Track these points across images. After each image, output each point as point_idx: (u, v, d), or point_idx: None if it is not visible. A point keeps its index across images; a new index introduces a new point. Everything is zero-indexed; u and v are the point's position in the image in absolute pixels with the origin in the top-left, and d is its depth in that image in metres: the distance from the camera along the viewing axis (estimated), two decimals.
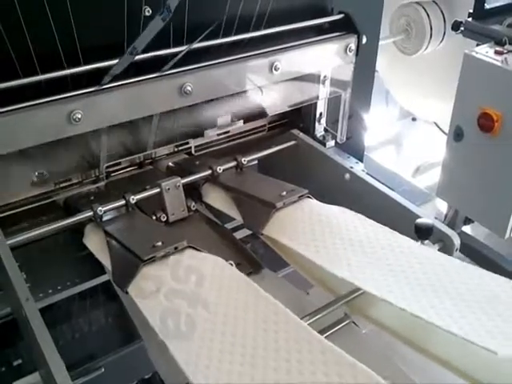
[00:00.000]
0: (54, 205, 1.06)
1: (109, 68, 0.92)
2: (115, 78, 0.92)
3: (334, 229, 0.83)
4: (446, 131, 2.30)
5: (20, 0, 0.83)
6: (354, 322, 0.79)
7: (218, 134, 1.18)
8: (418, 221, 0.84)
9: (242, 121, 1.22)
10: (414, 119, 2.94)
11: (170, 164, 1.14)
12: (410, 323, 0.71)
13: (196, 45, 0.97)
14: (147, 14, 0.96)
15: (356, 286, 0.75)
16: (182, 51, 0.97)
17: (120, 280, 0.77)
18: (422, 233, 0.83)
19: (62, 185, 1.07)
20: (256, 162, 1.16)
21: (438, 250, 0.85)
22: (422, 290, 0.71)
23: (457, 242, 0.86)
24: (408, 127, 2.99)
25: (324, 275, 0.82)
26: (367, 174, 1.03)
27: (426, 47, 2.36)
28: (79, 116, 0.88)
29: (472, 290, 0.69)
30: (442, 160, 1.89)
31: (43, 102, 0.87)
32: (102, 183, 1.06)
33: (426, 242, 0.84)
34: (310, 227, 0.83)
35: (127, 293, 0.74)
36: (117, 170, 1.11)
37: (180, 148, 1.17)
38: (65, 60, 0.90)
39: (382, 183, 0.98)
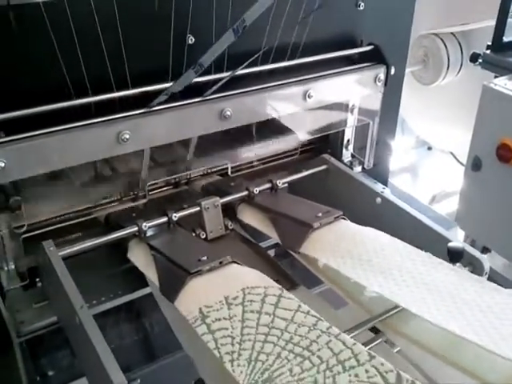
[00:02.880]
0: (91, 220, 1.11)
1: (155, 92, 0.98)
2: (161, 102, 0.98)
3: (369, 249, 0.86)
4: (462, 161, 2.33)
5: (77, 29, 0.89)
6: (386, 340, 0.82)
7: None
8: (450, 244, 0.88)
9: (273, 145, 1.28)
10: (429, 148, 2.96)
11: (205, 184, 1.19)
12: (445, 340, 0.74)
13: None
14: (190, 42, 1.02)
15: (391, 304, 0.79)
16: (222, 78, 1.02)
17: (167, 292, 0.81)
18: (454, 256, 0.86)
19: (102, 201, 1.12)
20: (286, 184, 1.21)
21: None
22: (457, 308, 0.74)
23: (486, 265, 0.90)
24: (424, 156, 3.01)
25: (359, 293, 0.86)
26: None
27: (444, 78, 2.39)
28: (127, 136, 0.93)
29: (505, 309, 0.73)
30: (459, 189, 1.92)
31: (95, 123, 0.92)
32: (143, 201, 1.10)
33: (458, 264, 0.87)
34: (346, 247, 0.87)
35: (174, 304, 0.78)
36: (154, 189, 1.16)
37: (215, 169, 1.21)
38: (114, 83, 0.96)
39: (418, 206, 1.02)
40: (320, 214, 0.95)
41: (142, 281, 0.95)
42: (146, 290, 0.94)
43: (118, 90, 0.96)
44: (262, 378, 0.64)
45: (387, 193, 1.08)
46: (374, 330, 0.83)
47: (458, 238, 0.96)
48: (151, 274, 0.88)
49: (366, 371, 0.63)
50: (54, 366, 1.03)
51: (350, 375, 0.63)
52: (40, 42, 0.89)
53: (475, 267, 0.90)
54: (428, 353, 0.77)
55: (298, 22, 1.01)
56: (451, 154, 2.66)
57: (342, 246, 0.88)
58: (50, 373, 1.05)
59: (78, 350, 0.82)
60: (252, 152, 1.22)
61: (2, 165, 0.84)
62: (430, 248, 0.91)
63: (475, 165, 1.82)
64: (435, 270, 0.83)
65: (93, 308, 0.93)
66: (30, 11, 0.86)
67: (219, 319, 0.73)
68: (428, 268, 0.83)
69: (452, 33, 2.34)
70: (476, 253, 0.90)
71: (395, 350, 0.82)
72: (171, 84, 0.97)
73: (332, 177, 1.18)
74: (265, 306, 0.75)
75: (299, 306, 0.75)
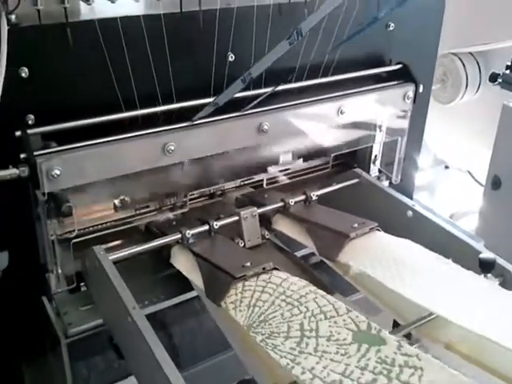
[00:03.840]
0: (130, 229, 1.16)
1: (197, 107, 1.03)
2: (202, 116, 1.03)
3: (405, 259, 0.90)
4: (480, 180, 2.35)
5: (128, 47, 0.95)
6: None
7: (286, 169, 1.28)
8: (482, 255, 0.91)
9: (301, 159, 1.33)
10: (446, 167, 2.98)
11: (239, 196, 1.23)
12: (479, 346, 0.78)
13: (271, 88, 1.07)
14: (230, 59, 1.08)
15: (425, 311, 0.83)
16: (260, 94, 1.07)
17: (213, 295, 0.86)
18: (486, 266, 0.90)
19: (141, 211, 1.17)
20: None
21: (499, 283, 0.92)
22: (491, 316, 0.78)
23: None
24: (441, 175, 3.03)
25: (394, 300, 0.89)
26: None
27: (462, 97, 2.42)
28: (172, 148, 0.99)
29: None
30: (478, 208, 1.95)
31: (143, 134, 0.97)
32: (183, 210, 1.15)
33: (489, 275, 0.91)
34: (383, 256, 0.91)
35: (220, 306, 0.83)
36: (191, 200, 1.20)
37: (250, 181, 1.26)
38: (160, 98, 1.01)
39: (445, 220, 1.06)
40: (356, 225, 0.99)
41: (180, 286, 1.01)
42: (189, 295, 0.99)
43: (164, 104, 1.01)
44: (259, 320, 0.78)
45: (418, 206, 1.12)
46: (409, 336, 0.86)
47: (487, 251, 0.99)
48: (195, 279, 0.92)
49: (344, 320, 0.77)
50: (96, 367, 1.06)
51: (329, 322, 0.77)
52: (94, 58, 0.94)
53: (506, 278, 0.93)
54: (463, 359, 0.80)
55: (336, 45, 1.06)
56: (469, 173, 2.68)
57: (378, 255, 0.92)
58: (93, 374, 1.09)
59: (128, 351, 0.86)
60: (286, 165, 1.27)
61: (58, 172, 0.89)
62: (460, 260, 0.94)
63: (495, 183, 1.86)
64: (467, 280, 0.87)
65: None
66: (86, 29, 0.92)
67: None
68: (460, 278, 0.87)
69: (470, 52, 2.38)
70: (507, 264, 0.94)
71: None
72: (212, 99, 1.02)
73: (363, 190, 1.22)
74: None
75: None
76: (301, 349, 0.72)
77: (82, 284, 1.03)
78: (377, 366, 0.67)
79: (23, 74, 0.90)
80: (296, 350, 0.71)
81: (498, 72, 1.96)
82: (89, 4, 0.91)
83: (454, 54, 2.38)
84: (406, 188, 1.45)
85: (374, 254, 0.92)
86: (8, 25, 0.85)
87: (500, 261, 0.94)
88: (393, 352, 0.69)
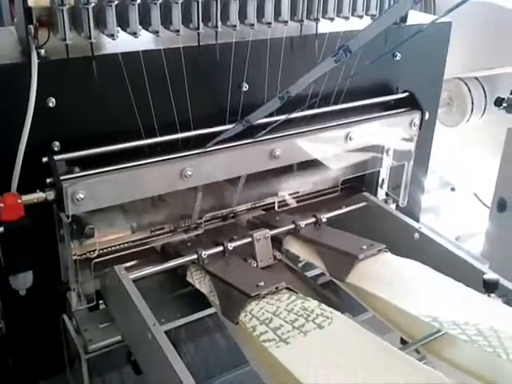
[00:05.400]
0: (144, 250, 1.20)
1: (213, 134, 1.08)
2: (218, 143, 1.08)
3: (412, 279, 0.95)
4: (486, 202, 2.38)
5: (149, 80, 1.01)
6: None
7: (295, 193, 1.34)
8: (486, 276, 0.95)
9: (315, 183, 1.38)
10: (452, 189, 3.00)
11: (251, 218, 1.28)
12: (485, 364, 0.81)
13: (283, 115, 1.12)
14: (245, 89, 1.13)
15: (432, 329, 0.86)
16: (272, 121, 1.11)
17: (229, 313, 0.90)
18: (490, 286, 0.94)
19: (156, 232, 1.22)
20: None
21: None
22: (495, 333, 0.81)
23: None
24: (447, 197, 3.05)
25: (401, 319, 0.93)
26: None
27: (468, 120, 2.46)
28: (190, 173, 1.04)
29: None
30: (484, 230, 1.98)
31: (162, 160, 1.03)
32: (197, 232, 1.20)
33: (493, 295, 0.95)
34: (390, 277, 0.96)
35: (237, 323, 0.87)
36: (205, 221, 1.25)
37: (261, 204, 1.31)
38: (178, 126, 1.07)
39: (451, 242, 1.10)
40: (364, 247, 1.04)
41: (192, 304, 1.06)
42: (203, 313, 1.03)
43: (182, 131, 1.07)
44: None
45: (425, 229, 1.16)
46: (417, 352, 0.90)
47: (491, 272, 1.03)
48: (211, 297, 0.96)
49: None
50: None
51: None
52: (116, 89, 1.00)
53: (508, 298, 0.97)
54: (469, 376, 0.83)
55: (351, 76, 1.11)
56: (475, 195, 2.71)
57: (386, 275, 0.96)
58: None
59: (147, 366, 0.90)
60: (296, 189, 1.32)
61: (82, 196, 0.94)
62: (465, 281, 0.98)
63: (500, 206, 1.90)
64: (472, 298, 0.91)
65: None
66: (110, 62, 0.98)
67: None
68: (465, 296, 0.91)
69: (475, 77, 2.42)
70: (510, 285, 0.98)
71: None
72: (228, 126, 1.07)
73: (371, 213, 1.27)
74: None
75: None
76: None
77: (101, 302, 1.08)
78: (299, 310, 0.88)
79: (50, 104, 0.96)
80: None
81: (503, 97, 2.01)
82: (113, 39, 0.97)
83: (460, 79, 2.43)
84: (413, 210, 1.49)
85: (382, 275, 0.96)
86: (38, 58, 0.92)
87: (503, 281, 0.98)
88: (313, 306, 0.89)
